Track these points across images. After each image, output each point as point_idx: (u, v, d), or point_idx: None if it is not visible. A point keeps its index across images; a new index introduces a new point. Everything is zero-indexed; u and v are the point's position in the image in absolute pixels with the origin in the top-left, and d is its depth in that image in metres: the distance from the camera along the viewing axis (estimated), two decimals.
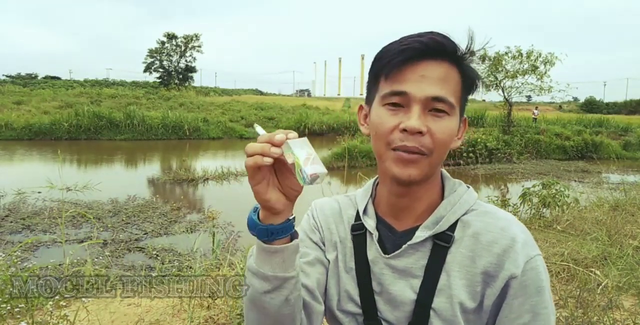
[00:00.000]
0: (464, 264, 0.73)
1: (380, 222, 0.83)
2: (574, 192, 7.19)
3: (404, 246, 0.76)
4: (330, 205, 0.92)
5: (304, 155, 0.58)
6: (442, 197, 0.80)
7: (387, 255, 0.78)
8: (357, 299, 0.81)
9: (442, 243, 0.75)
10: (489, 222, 0.75)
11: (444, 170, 0.83)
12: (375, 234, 0.81)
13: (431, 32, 0.72)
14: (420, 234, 0.76)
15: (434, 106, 0.71)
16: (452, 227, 0.76)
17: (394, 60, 0.71)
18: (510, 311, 0.70)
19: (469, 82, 0.75)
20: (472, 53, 0.74)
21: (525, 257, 0.70)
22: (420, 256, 0.76)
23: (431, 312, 0.73)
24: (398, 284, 0.77)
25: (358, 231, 0.84)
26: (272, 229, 0.66)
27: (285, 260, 0.68)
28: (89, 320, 2.81)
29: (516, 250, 0.70)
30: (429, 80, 0.71)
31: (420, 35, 0.72)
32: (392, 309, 0.77)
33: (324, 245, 0.87)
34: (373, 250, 0.80)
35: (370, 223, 0.82)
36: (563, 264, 3.83)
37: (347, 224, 0.87)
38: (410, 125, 0.69)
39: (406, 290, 0.76)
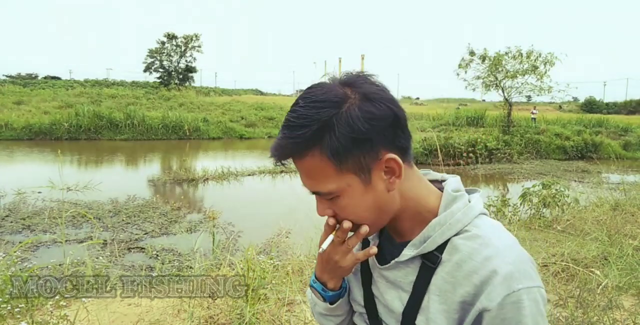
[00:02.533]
0: (445, 289, 0.71)
1: (382, 231, 0.84)
2: (573, 192, 7.19)
3: (392, 262, 0.77)
4: None
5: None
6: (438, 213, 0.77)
7: (380, 266, 0.80)
8: (361, 299, 0.86)
9: (429, 263, 0.73)
10: (475, 248, 0.70)
11: (449, 181, 0.79)
12: (374, 242, 0.84)
13: (284, 123, 0.69)
14: (407, 252, 0.75)
15: (322, 196, 0.73)
16: (442, 248, 0.73)
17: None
18: None
19: (339, 152, 0.67)
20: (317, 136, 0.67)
21: (505, 291, 0.65)
22: (409, 272, 0.76)
23: None
24: (390, 293, 0.79)
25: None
26: (340, 293, 0.88)
27: (341, 308, 0.90)
28: (89, 320, 2.81)
29: (494, 284, 0.66)
30: (303, 175, 0.71)
31: (282, 125, 0.69)
32: (387, 314, 0.80)
33: None
34: (372, 258, 0.83)
35: None
36: (563, 264, 3.83)
37: None
38: (318, 213, 0.76)
39: (396, 301, 0.78)
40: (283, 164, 0.72)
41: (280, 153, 0.69)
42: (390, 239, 0.82)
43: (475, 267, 0.68)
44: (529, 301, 0.66)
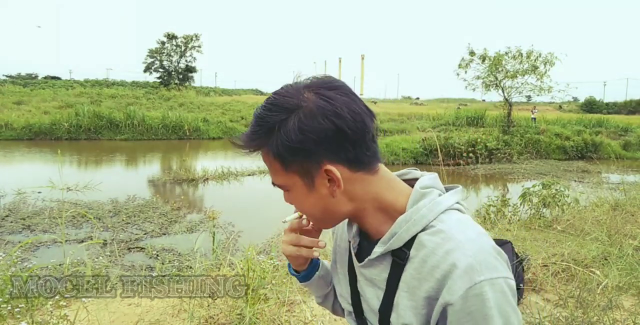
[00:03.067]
0: (412, 285, 0.72)
1: (361, 229, 0.86)
2: (573, 192, 7.19)
3: (365, 260, 0.79)
4: None
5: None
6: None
7: (359, 264, 0.82)
8: (349, 297, 0.88)
9: (398, 260, 0.74)
10: (438, 243, 0.71)
11: (422, 178, 0.80)
12: (354, 240, 0.86)
13: (253, 118, 0.76)
14: (377, 250, 0.76)
15: None
16: (409, 244, 0.73)
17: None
18: None
19: (281, 152, 0.72)
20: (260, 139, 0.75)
21: (466, 284, 0.66)
22: (382, 269, 0.77)
23: None
24: (369, 291, 0.81)
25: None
26: (305, 275, 0.97)
27: (317, 286, 1.00)
28: (89, 320, 2.81)
29: (454, 277, 0.66)
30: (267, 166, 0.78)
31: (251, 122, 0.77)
32: (369, 312, 0.82)
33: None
34: (353, 257, 0.85)
35: (352, 230, 0.86)
36: (563, 264, 3.83)
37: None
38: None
39: (373, 299, 0.80)
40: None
41: (245, 146, 0.77)
42: (367, 238, 0.83)
43: (437, 262, 0.69)
44: (493, 292, 0.66)
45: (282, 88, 0.75)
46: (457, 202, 0.78)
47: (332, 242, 1.00)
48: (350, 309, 0.88)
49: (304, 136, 0.70)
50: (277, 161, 0.74)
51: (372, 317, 0.81)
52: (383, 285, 0.77)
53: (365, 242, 0.84)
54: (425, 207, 0.74)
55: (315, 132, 0.70)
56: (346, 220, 0.89)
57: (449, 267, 0.67)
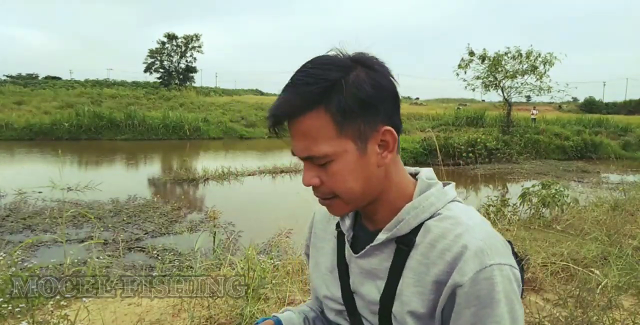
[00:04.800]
0: (418, 271, 0.71)
1: (357, 222, 0.85)
2: (573, 192, 7.21)
3: (367, 247, 0.77)
4: None
5: None
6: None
7: (355, 255, 0.80)
8: (339, 295, 0.85)
9: (403, 246, 0.73)
10: (447, 228, 0.71)
11: (424, 170, 0.81)
12: (349, 233, 0.84)
13: (289, 82, 0.70)
14: (381, 236, 0.75)
15: (313, 162, 0.72)
16: (416, 231, 0.73)
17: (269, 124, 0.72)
18: (457, 321, 0.68)
19: (342, 114, 0.68)
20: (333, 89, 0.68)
21: (477, 266, 0.66)
22: (384, 258, 0.76)
23: (391, 316, 0.74)
24: (366, 284, 0.79)
25: (339, 228, 0.88)
26: None
27: None
28: (90, 320, 2.82)
29: (465, 259, 0.66)
30: (297, 138, 0.71)
31: (285, 87, 0.70)
32: (365, 308, 0.79)
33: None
34: (347, 249, 0.83)
35: (346, 222, 0.84)
36: (562, 264, 3.84)
37: (334, 222, 0.91)
38: (302, 181, 0.74)
39: (372, 291, 0.77)
40: (277, 133, 0.72)
41: (283, 110, 0.69)
42: (364, 229, 0.82)
43: (448, 245, 0.69)
44: (502, 277, 0.66)
45: (322, 55, 0.72)
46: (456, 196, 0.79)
47: (307, 247, 1.00)
48: (341, 307, 0.85)
49: (376, 91, 0.68)
50: (332, 123, 0.68)
51: (368, 313, 0.79)
52: (384, 274, 0.75)
53: (360, 234, 0.83)
54: (433, 196, 0.75)
55: (384, 89, 0.70)
56: (333, 216, 0.88)
57: (460, 249, 0.67)
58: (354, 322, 0.83)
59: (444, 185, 0.80)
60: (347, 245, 0.84)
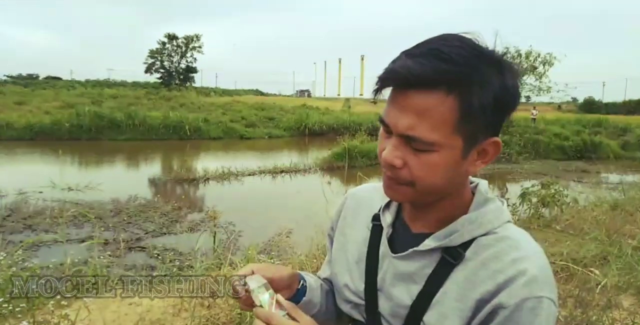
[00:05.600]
0: (464, 287, 0.68)
1: (398, 219, 0.81)
2: (573, 192, 7.22)
3: (409, 250, 0.74)
4: (364, 191, 0.93)
5: (267, 300, 0.72)
6: (467, 211, 0.74)
7: (394, 254, 0.77)
8: (362, 290, 0.81)
9: (450, 259, 0.70)
10: (504, 249, 0.68)
11: (482, 182, 0.77)
12: (388, 230, 0.80)
13: (431, 49, 0.61)
14: (428, 243, 0.72)
15: (410, 143, 0.65)
16: (466, 246, 0.70)
17: (379, 85, 0.66)
18: None
19: (472, 110, 0.62)
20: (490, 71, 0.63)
21: (527, 293, 0.63)
22: (425, 264, 0.72)
23: (421, 324, 0.71)
24: (398, 285, 0.75)
25: (376, 221, 0.84)
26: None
27: (307, 310, 0.82)
28: (90, 319, 2.83)
29: (518, 283, 0.64)
30: (407, 112, 0.63)
31: (420, 51, 0.62)
32: (389, 308, 0.76)
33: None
34: (384, 246, 0.80)
35: (387, 218, 0.81)
36: (562, 264, 3.84)
37: (371, 213, 0.86)
38: (383, 157, 0.67)
39: (403, 294, 0.74)
40: (374, 97, 0.67)
41: (414, 73, 0.60)
42: (405, 228, 0.79)
43: (502, 268, 0.66)
44: (546, 312, 0.63)
45: (469, 38, 0.64)
46: None
47: (332, 229, 0.95)
48: (360, 302, 0.81)
49: (512, 101, 0.66)
50: (457, 113, 0.61)
51: (390, 315, 0.76)
52: (422, 280, 0.72)
53: (401, 232, 0.79)
54: (492, 213, 0.72)
55: (515, 102, 0.67)
56: (377, 208, 0.85)
57: (516, 273, 0.64)
58: (372, 320, 0.79)
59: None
60: (384, 242, 0.80)
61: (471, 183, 0.77)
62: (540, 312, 0.63)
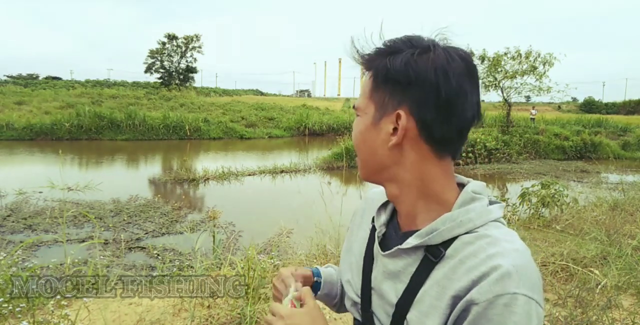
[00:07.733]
0: (443, 285, 0.68)
1: (393, 219, 0.83)
2: (572, 192, 7.22)
3: (394, 248, 0.76)
4: (375, 193, 0.95)
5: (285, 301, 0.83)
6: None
7: (383, 253, 0.79)
8: (359, 287, 0.84)
9: (431, 257, 0.71)
10: (482, 246, 0.68)
11: (473, 183, 0.78)
12: (380, 229, 0.82)
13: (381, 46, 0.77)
14: (411, 241, 0.73)
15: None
16: (447, 244, 0.71)
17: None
18: None
19: (379, 75, 0.74)
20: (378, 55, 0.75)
21: (499, 290, 0.62)
22: (410, 262, 0.74)
23: (404, 322, 0.72)
24: (386, 283, 0.77)
25: (374, 223, 0.87)
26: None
27: (327, 302, 1.02)
28: (90, 319, 2.83)
29: (490, 279, 0.63)
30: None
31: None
32: (380, 306, 0.78)
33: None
34: (377, 245, 0.82)
35: (382, 217, 0.84)
36: (562, 264, 3.84)
37: (373, 214, 0.90)
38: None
39: (391, 292, 0.76)
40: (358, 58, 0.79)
41: (363, 60, 0.77)
42: (397, 228, 0.81)
43: (477, 264, 0.66)
44: (522, 310, 0.61)
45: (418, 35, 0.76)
46: (502, 217, 0.75)
47: (349, 229, 1.00)
48: (357, 299, 0.84)
49: (405, 70, 0.71)
50: (370, 83, 0.76)
51: (381, 312, 0.78)
52: (406, 279, 0.73)
53: (392, 232, 0.81)
54: (474, 212, 0.72)
55: (415, 72, 0.70)
56: (375, 206, 0.88)
57: (488, 269, 0.64)
58: (366, 318, 0.81)
59: (492, 203, 0.76)
60: (376, 241, 0.82)
61: (465, 184, 0.79)
62: (516, 310, 0.61)
